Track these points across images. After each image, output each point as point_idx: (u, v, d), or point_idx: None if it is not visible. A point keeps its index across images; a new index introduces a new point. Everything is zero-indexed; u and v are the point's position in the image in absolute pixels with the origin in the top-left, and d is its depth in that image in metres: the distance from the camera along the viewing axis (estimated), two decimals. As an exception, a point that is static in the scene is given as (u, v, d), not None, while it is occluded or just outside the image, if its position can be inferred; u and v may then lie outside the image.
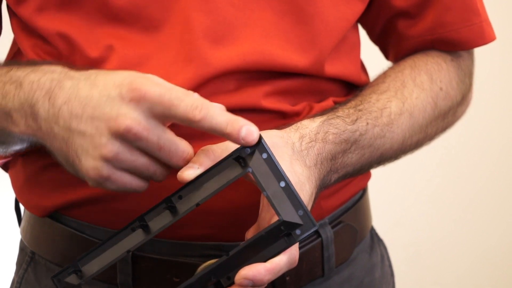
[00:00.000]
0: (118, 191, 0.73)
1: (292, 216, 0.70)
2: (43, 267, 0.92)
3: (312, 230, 0.70)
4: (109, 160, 0.70)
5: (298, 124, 0.81)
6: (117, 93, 0.70)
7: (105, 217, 0.85)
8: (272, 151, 0.72)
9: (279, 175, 0.70)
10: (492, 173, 2.23)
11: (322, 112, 0.84)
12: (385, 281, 1.01)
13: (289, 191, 0.70)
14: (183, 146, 0.71)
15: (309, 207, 0.76)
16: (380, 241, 1.03)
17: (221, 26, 0.82)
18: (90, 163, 0.70)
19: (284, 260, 0.70)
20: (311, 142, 0.79)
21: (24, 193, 0.91)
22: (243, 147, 0.71)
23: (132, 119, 0.69)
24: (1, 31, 0.93)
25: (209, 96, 0.81)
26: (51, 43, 0.84)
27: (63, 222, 0.88)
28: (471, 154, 2.22)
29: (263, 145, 0.70)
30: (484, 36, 0.95)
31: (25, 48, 0.87)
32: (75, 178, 0.77)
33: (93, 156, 0.70)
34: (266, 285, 0.70)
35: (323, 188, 0.81)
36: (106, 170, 0.70)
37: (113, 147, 0.69)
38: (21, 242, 0.97)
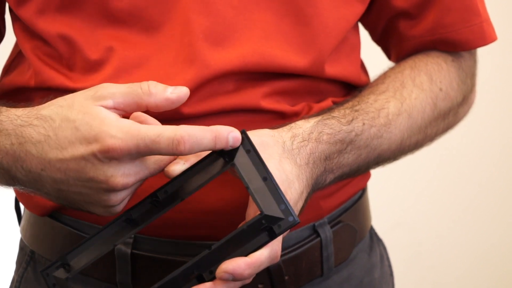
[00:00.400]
0: None
1: (274, 210, 0.70)
2: (42, 266, 0.92)
3: (292, 225, 0.70)
4: (118, 203, 0.72)
5: (292, 124, 0.81)
6: (90, 154, 0.69)
7: (104, 217, 0.85)
8: (262, 150, 0.73)
9: (262, 170, 0.71)
10: (492, 174, 2.23)
11: (317, 113, 0.84)
12: (384, 281, 1.01)
13: (272, 186, 0.71)
14: (168, 159, 0.72)
15: (298, 206, 0.76)
16: (379, 241, 1.03)
17: (220, 28, 0.82)
18: (102, 211, 0.73)
19: (265, 254, 0.71)
20: (303, 141, 0.79)
21: (24, 192, 0.91)
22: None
23: (123, 175, 0.69)
24: (4, 34, 0.93)
25: (209, 97, 0.82)
26: (51, 45, 0.84)
27: (63, 221, 0.88)
28: (471, 154, 2.22)
29: (247, 141, 0.71)
30: (484, 36, 0.95)
31: (26, 50, 0.87)
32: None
33: (101, 206, 0.72)
34: (248, 279, 0.70)
35: (318, 189, 0.81)
36: (120, 207, 0.73)
37: (117, 198, 0.71)
38: (21, 241, 0.97)
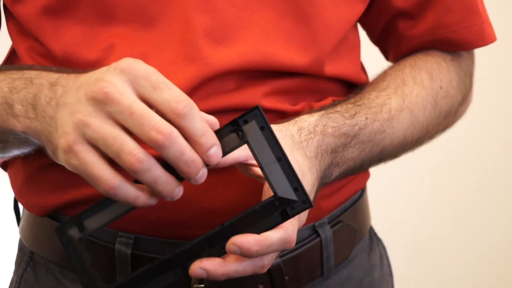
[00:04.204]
0: (83, 175, 0.66)
1: (288, 193, 0.69)
2: (42, 266, 0.91)
3: (306, 207, 0.69)
4: (77, 125, 0.64)
5: (297, 118, 0.81)
6: (107, 68, 0.66)
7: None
8: None
9: (276, 149, 0.69)
10: (491, 173, 2.23)
11: (320, 108, 0.84)
12: (384, 281, 1.01)
13: (286, 167, 0.69)
14: (158, 117, 0.64)
15: (311, 197, 0.75)
16: (379, 241, 1.03)
17: (222, 27, 0.81)
18: (62, 131, 0.66)
19: (276, 236, 0.69)
20: (309, 134, 0.79)
21: (23, 192, 0.91)
22: (241, 117, 0.69)
23: (109, 82, 0.64)
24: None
25: (209, 95, 0.82)
26: (45, 45, 0.84)
27: (63, 221, 0.88)
28: (470, 153, 2.22)
29: (260, 117, 0.69)
30: (484, 37, 0.96)
31: (19, 51, 0.87)
32: (75, 178, 0.77)
33: (67, 122, 0.65)
34: (254, 256, 0.69)
35: (325, 183, 0.81)
36: (72, 137, 0.64)
37: (83, 110, 0.64)
38: (20, 241, 0.97)
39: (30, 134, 0.73)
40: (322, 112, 0.82)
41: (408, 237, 2.22)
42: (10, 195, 0.96)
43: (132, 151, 0.63)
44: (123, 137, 0.64)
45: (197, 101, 0.81)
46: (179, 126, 0.64)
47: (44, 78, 0.73)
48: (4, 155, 0.81)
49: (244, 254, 0.68)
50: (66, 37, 0.83)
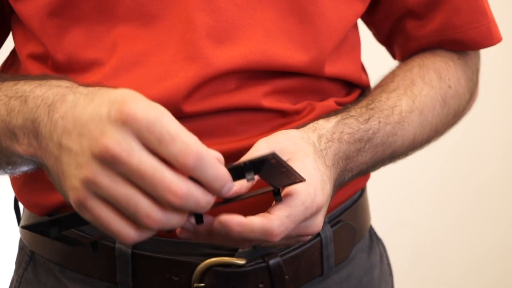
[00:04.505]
0: (99, 228, 0.65)
1: (287, 182, 0.70)
2: (42, 266, 0.91)
3: (297, 182, 0.70)
4: (86, 183, 0.63)
5: (315, 124, 0.81)
6: (106, 111, 0.63)
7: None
8: (298, 150, 0.73)
9: (285, 168, 0.69)
10: (493, 173, 2.23)
11: (335, 112, 0.85)
12: (384, 281, 1.01)
13: (281, 165, 0.68)
14: (171, 176, 0.62)
15: (326, 207, 0.76)
16: (379, 240, 1.03)
17: (224, 26, 0.81)
18: (70, 183, 0.64)
19: (259, 223, 0.69)
20: (328, 142, 0.80)
21: (23, 192, 0.91)
22: (256, 160, 0.68)
23: (113, 139, 0.62)
24: (7, 37, 0.92)
25: (210, 95, 0.82)
26: (45, 45, 0.84)
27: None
28: (472, 153, 2.22)
29: (275, 157, 0.67)
30: (492, 37, 0.96)
31: (21, 55, 0.87)
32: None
33: (74, 175, 0.64)
34: (236, 237, 0.69)
35: (338, 187, 0.82)
36: (82, 193, 0.63)
37: (91, 169, 0.63)
38: (21, 241, 0.97)
39: (37, 159, 0.72)
40: (339, 118, 0.83)
41: (409, 237, 2.22)
42: (10, 194, 0.96)
43: (148, 214, 0.62)
44: (136, 199, 0.62)
45: (198, 101, 0.81)
46: (188, 173, 0.63)
47: (39, 99, 0.71)
48: (15, 172, 0.81)
49: (227, 233, 0.68)
50: (67, 36, 0.83)
